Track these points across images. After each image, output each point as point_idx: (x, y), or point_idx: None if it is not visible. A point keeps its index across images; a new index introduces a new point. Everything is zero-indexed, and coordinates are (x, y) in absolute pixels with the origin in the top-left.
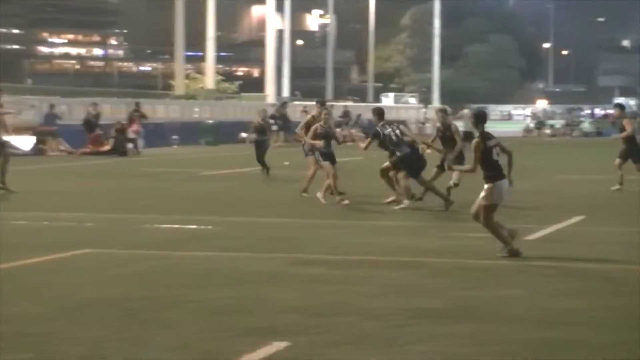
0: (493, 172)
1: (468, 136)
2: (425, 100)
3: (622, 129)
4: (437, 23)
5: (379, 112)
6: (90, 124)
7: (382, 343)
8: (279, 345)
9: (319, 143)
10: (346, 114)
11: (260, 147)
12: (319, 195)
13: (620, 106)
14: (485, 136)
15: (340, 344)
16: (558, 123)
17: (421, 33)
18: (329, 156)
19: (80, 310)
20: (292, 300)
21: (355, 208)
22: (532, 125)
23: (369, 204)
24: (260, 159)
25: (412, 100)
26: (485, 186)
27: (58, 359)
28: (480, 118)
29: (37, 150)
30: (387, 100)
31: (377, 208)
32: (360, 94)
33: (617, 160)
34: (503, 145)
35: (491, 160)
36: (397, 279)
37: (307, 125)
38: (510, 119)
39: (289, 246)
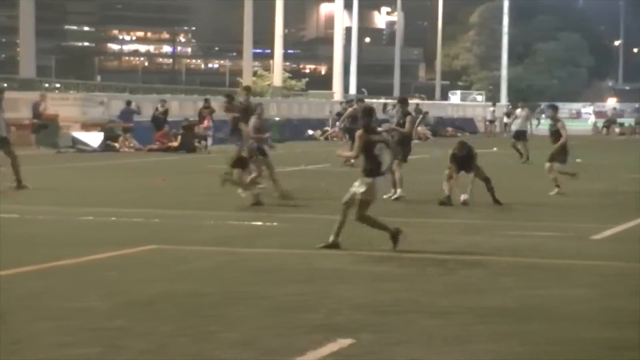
0: (372, 167)
1: (520, 135)
2: (493, 98)
3: None
4: (505, 21)
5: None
6: (159, 120)
7: (447, 341)
8: (343, 343)
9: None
10: (418, 111)
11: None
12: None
13: None
14: (370, 130)
15: (405, 342)
16: (627, 121)
17: (489, 31)
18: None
19: (146, 306)
20: (358, 298)
21: (422, 206)
22: (597, 123)
23: (435, 202)
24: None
25: (479, 98)
26: (365, 179)
27: (124, 354)
28: (367, 112)
29: (105, 147)
30: (454, 98)
31: (447, 206)
32: (427, 92)
33: None
34: (389, 142)
35: (372, 155)
36: (463, 277)
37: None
38: (579, 117)
39: (357, 243)
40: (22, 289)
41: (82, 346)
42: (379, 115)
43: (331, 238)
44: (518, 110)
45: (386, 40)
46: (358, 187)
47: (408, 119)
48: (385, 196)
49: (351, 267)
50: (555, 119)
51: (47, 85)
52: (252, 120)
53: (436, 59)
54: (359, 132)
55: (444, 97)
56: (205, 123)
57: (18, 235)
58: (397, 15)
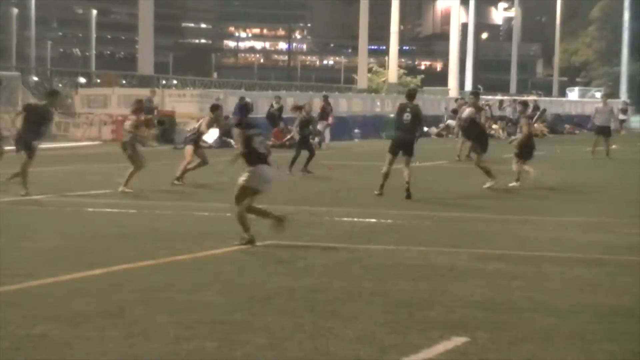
0: (253, 159)
1: (604, 131)
2: (610, 94)
3: None
4: (626, 15)
5: (244, 108)
6: (274, 117)
7: (566, 341)
8: (457, 341)
9: None
10: (536, 107)
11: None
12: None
13: None
14: (246, 125)
15: (521, 341)
16: None
17: (611, 25)
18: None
19: (264, 301)
20: (474, 296)
21: (542, 204)
22: None
23: (556, 200)
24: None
25: (598, 95)
26: (247, 168)
27: (241, 348)
28: (241, 109)
29: (222, 143)
30: (572, 94)
31: (565, 204)
32: (544, 88)
33: None
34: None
35: (252, 149)
36: (582, 275)
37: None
38: None
39: (475, 241)
40: (141, 283)
41: (199, 340)
42: (495, 111)
43: (245, 235)
44: (600, 105)
45: (503, 36)
46: (241, 177)
47: (482, 113)
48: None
49: (467, 265)
50: None
51: (164, 82)
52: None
53: (554, 54)
54: (236, 131)
55: (562, 93)
56: (329, 120)
57: (136, 230)
58: (515, 10)
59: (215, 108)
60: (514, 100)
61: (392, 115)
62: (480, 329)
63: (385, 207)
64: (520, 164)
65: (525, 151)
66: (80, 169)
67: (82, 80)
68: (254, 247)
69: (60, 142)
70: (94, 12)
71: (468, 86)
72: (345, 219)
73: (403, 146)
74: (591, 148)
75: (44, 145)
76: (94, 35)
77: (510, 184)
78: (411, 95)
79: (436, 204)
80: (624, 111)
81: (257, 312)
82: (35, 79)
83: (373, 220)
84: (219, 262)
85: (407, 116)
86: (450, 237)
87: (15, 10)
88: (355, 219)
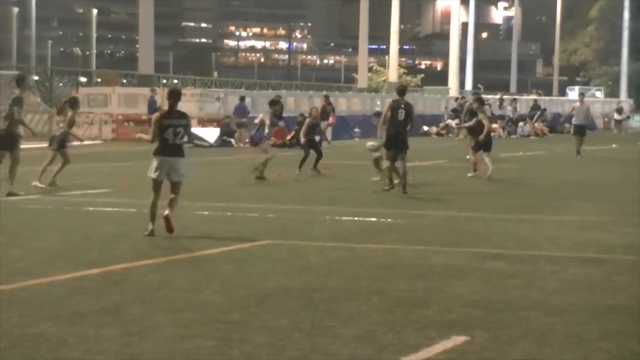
0: (160, 147)
1: (580, 129)
2: (612, 94)
3: None
4: (626, 15)
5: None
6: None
7: (563, 339)
8: (457, 340)
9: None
10: (535, 107)
11: None
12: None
13: None
14: (168, 114)
15: (519, 340)
16: None
17: (609, 25)
18: None
19: (263, 300)
20: (472, 295)
21: (539, 203)
22: None
23: (553, 199)
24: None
25: (598, 94)
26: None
27: (240, 347)
28: (172, 95)
29: (222, 142)
30: (572, 93)
31: (563, 203)
32: (544, 88)
33: None
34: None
35: (163, 137)
36: (580, 275)
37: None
38: None
39: (472, 240)
40: (139, 282)
41: (198, 339)
42: (495, 110)
43: (150, 226)
44: (577, 104)
45: (503, 35)
46: None
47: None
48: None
49: (464, 264)
50: None
51: (165, 81)
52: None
53: (554, 54)
54: (155, 116)
55: (562, 93)
56: (330, 120)
57: (135, 229)
58: (515, 10)
59: (274, 103)
60: (514, 100)
61: None
62: (478, 328)
63: (384, 206)
64: (478, 156)
65: (485, 145)
66: (79, 168)
67: (83, 79)
68: (250, 245)
69: None
70: (95, 11)
71: (468, 85)
72: (344, 217)
73: (399, 141)
74: (576, 148)
75: (44, 144)
76: (94, 35)
77: (470, 174)
78: (402, 91)
79: (434, 202)
80: (619, 111)
81: (255, 311)
82: (36, 78)
83: (372, 219)
84: (217, 262)
85: (401, 112)
86: (448, 236)
87: (15, 10)
88: (354, 218)
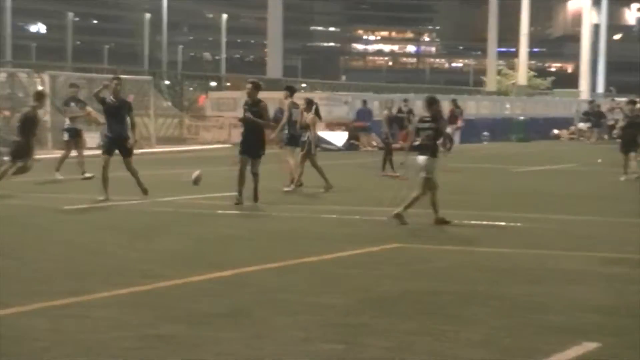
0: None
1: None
2: None
3: None
4: None
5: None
6: (402, 120)
7: None
8: (589, 346)
9: None
10: None
11: None
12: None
13: None
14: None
15: None
16: None
17: None
18: None
19: (386, 304)
20: (598, 300)
21: None
22: None
23: None
24: None
25: None
26: None
27: (366, 351)
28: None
29: (349, 146)
30: None
31: None
32: None
33: None
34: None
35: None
36: None
37: None
38: None
39: (592, 244)
40: (265, 284)
41: (324, 342)
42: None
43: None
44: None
45: (637, 37)
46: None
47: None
48: None
49: (584, 268)
50: None
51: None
52: None
53: None
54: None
55: None
56: (459, 123)
57: (262, 232)
58: None
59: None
60: None
61: (521, 118)
62: (610, 334)
63: (516, 210)
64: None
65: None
66: (209, 172)
67: (213, 83)
68: (380, 249)
69: (190, 145)
70: (224, 16)
71: (600, 88)
72: (472, 222)
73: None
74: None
75: (171, 148)
76: (224, 40)
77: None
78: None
79: (555, 207)
80: None
81: (379, 315)
82: (167, 82)
83: (502, 223)
84: (344, 265)
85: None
86: (571, 240)
87: (148, 16)
88: (485, 222)
